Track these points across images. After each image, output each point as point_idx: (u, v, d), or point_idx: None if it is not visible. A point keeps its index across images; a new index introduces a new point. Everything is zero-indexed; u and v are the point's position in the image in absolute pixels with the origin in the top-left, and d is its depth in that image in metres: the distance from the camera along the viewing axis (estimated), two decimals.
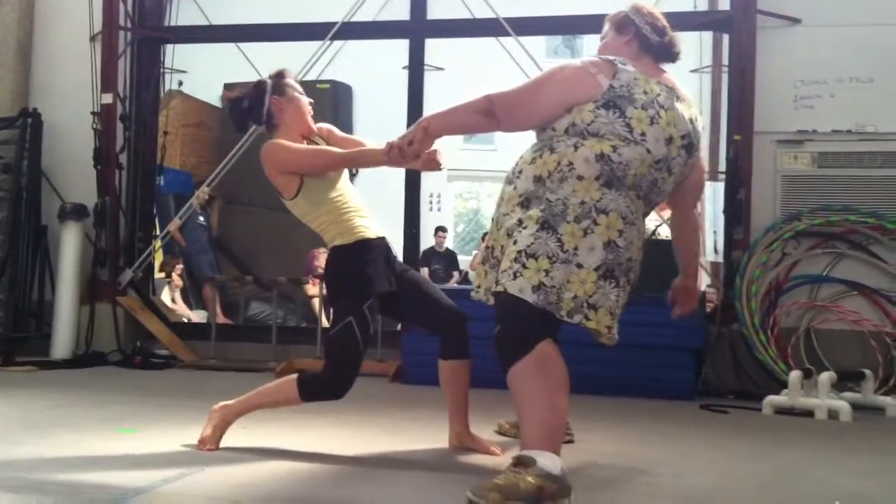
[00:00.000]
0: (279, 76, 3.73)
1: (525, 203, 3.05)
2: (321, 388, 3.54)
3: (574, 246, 2.95)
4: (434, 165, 3.37)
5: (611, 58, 3.17)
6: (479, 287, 3.30)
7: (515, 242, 2.99)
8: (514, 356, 2.92)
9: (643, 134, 3.02)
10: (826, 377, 5.01)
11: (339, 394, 3.53)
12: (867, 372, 5.27)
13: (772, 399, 5.12)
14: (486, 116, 3.13)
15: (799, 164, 6.10)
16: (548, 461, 2.81)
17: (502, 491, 2.74)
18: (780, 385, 5.33)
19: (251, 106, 3.69)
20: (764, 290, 5.88)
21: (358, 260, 3.55)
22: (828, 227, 5.95)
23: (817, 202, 6.01)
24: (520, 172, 3.12)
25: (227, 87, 10.59)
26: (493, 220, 3.27)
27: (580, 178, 2.99)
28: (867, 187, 5.98)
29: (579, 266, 2.95)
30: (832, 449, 4.05)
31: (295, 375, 3.58)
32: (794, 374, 5.08)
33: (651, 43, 3.32)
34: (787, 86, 6.11)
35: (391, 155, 3.23)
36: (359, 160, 3.68)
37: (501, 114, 3.13)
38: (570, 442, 3.79)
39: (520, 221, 3.02)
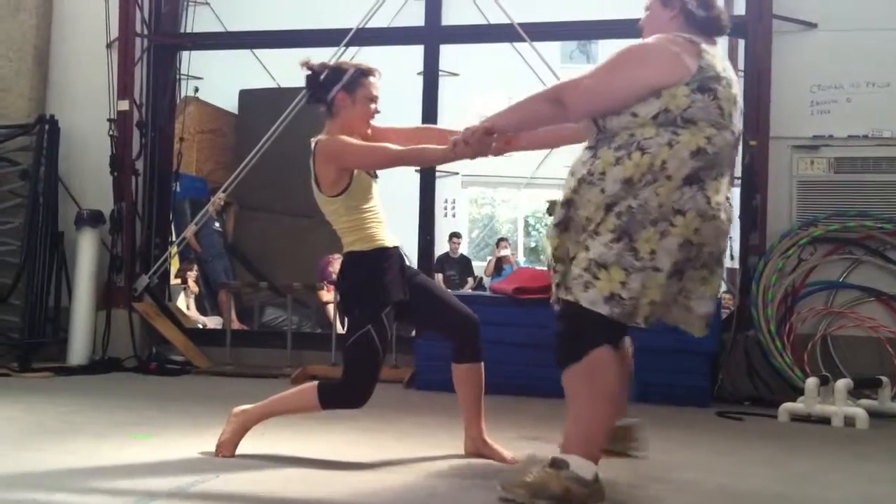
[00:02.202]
0: (364, 73, 3.65)
1: (611, 206, 2.94)
2: (341, 397, 3.54)
3: (650, 250, 2.92)
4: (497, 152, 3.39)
5: (692, 37, 3.04)
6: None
7: (587, 249, 2.95)
8: (568, 360, 2.96)
9: (730, 115, 2.99)
10: (842, 384, 4.98)
11: (358, 403, 3.51)
12: (884, 379, 5.23)
13: (788, 406, 5.09)
14: (553, 104, 3.07)
15: (815, 169, 6.07)
16: (581, 465, 2.85)
17: (530, 488, 2.81)
18: (796, 392, 5.30)
19: (321, 85, 3.63)
20: (780, 296, 5.85)
21: (375, 268, 3.55)
22: (844, 232, 5.92)
23: (833, 208, 5.97)
24: (602, 174, 2.96)
25: (244, 92, 10.66)
26: (554, 225, 3.12)
27: (669, 178, 2.91)
28: (884, 193, 5.94)
29: (656, 270, 2.92)
30: (848, 456, 4.02)
31: (315, 383, 3.58)
32: (811, 381, 5.05)
33: (697, 18, 3.15)
34: (803, 91, 6.08)
35: (457, 151, 3.20)
36: (411, 158, 3.61)
37: (571, 99, 3.03)
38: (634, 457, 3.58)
39: (596, 227, 2.94)
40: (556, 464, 2.87)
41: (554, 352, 3.01)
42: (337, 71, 3.64)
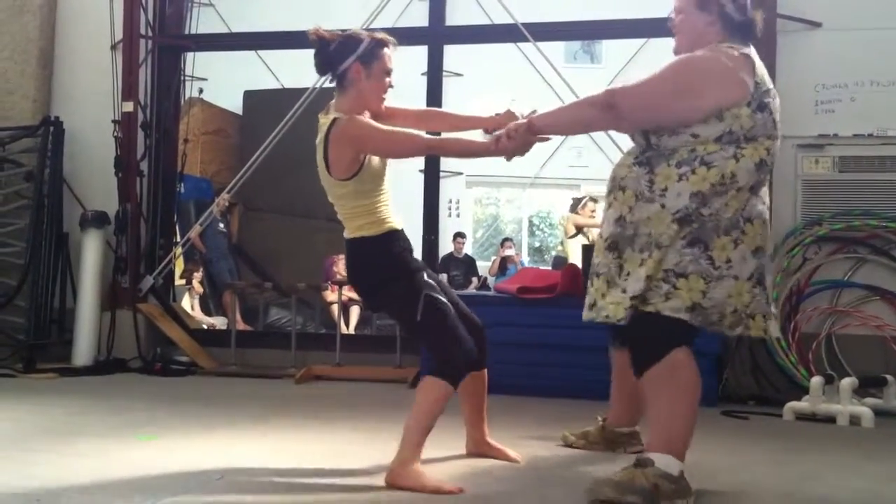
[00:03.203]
0: (380, 44, 3.40)
1: (684, 220, 2.97)
2: (454, 365, 3.26)
3: (726, 259, 2.97)
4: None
5: (744, 51, 3.07)
6: (592, 305, 3.18)
7: (660, 262, 2.96)
8: (648, 363, 3.00)
9: (779, 124, 3.08)
10: (848, 383, 4.97)
11: (471, 358, 3.29)
12: (889, 378, 5.22)
13: (793, 405, 5.08)
14: (604, 111, 3.04)
15: (820, 168, 6.06)
16: (667, 462, 2.91)
17: (618, 486, 2.86)
18: (801, 391, 5.29)
19: (332, 55, 3.38)
20: (785, 295, 5.84)
21: (389, 248, 3.38)
22: (849, 231, 5.90)
23: (838, 207, 5.96)
24: (664, 191, 2.98)
25: (248, 93, 10.68)
26: (603, 237, 3.17)
27: (739, 189, 2.98)
28: (889, 191, 5.92)
29: (736, 278, 2.98)
30: (854, 455, 4.02)
31: (427, 379, 3.28)
32: (816, 380, 5.04)
33: (735, 22, 3.17)
34: (808, 90, 6.07)
35: (500, 146, 3.16)
36: (445, 149, 3.49)
37: (627, 109, 3.02)
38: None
39: (667, 240, 2.97)
40: (642, 463, 2.93)
41: (632, 357, 3.08)
42: (350, 40, 3.40)
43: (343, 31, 3.47)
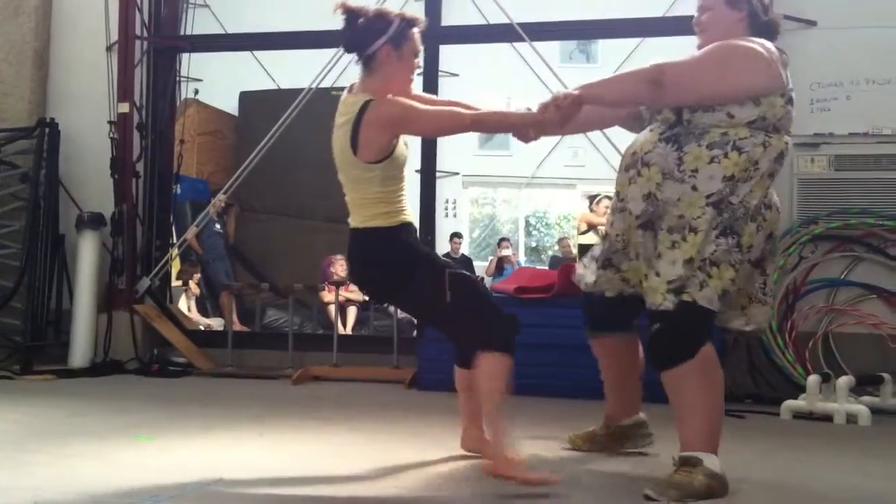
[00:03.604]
0: (409, 24, 3.28)
1: (718, 204, 3.02)
2: (503, 333, 3.15)
3: (750, 245, 3.07)
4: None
5: (775, 47, 3.15)
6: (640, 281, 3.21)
7: (698, 246, 2.99)
8: (679, 359, 3.01)
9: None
10: (844, 381, 4.98)
11: (514, 319, 3.21)
12: (886, 376, 5.22)
13: (790, 404, 5.09)
14: (652, 86, 3.05)
15: (815, 167, 6.06)
16: (712, 461, 2.96)
17: (680, 489, 2.89)
18: (797, 389, 5.29)
19: (361, 34, 3.25)
20: (781, 293, 5.85)
21: (405, 237, 3.31)
22: (845, 230, 5.91)
23: (834, 205, 5.97)
24: (695, 172, 3.03)
25: (244, 94, 10.66)
26: (625, 212, 3.18)
27: (762, 176, 3.06)
28: (885, 190, 5.93)
29: (750, 262, 3.10)
30: (851, 453, 4.02)
31: (482, 358, 3.13)
32: (812, 379, 5.05)
33: (760, 22, 3.24)
34: (804, 88, 6.05)
35: (547, 115, 3.09)
36: (489, 122, 3.37)
37: (673, 85, 3.04)
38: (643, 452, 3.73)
39: (695, 225, 3.01)
40: (690, 462, 2.97)
41: (657, 352, 3.07)
42: (380, 19, 3.26)
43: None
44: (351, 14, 3.27)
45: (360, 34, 3.26)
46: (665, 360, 3.05)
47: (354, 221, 3.33)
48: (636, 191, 3.14)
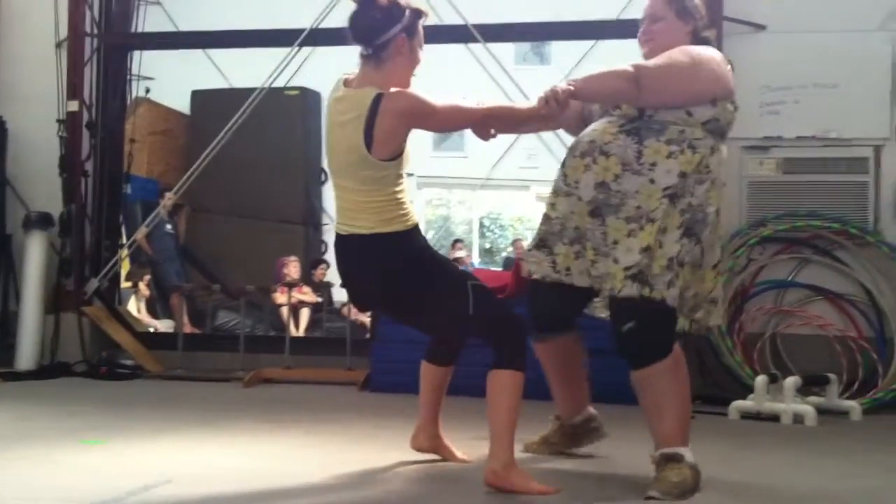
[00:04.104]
0: (418, 15, 3.17)
1: (673, 197, 3.10)
2: (521, 350, 3.12)
3: (703, 250, 3.20)
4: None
5: (724, 56, 3.33)
6: (568, 269, 3.28)
7: (656, 236, 3.07)
8: (653, 359, 3.09)
9: None
10: (791, 382, 5.05)
11: (527, 331, 3.22)
12: (832, 376, 5.31)
13: (738, 404, 5.15)
14: (631, 84, 3.10)
15: (764, 169, 6.14)
16: (690, 455, 3.11)
17: (679, 487, 3.01)
18: (746, 390, 5.36)
19: (377, 21, 3.11)
20: (730, 295, 5.92)
21: (421, 240, 3.23)
22: (793, 232, 5.99)
23: (783, 208, 6.04)
24: (653, 165, 3.11)
25: (196, 93, 10.57)
26: (572, 196, 3.24)
27: (714, 182, 3.18)
28: (832, 193, 6.02)
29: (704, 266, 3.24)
30: (799, 452, 4.09)
31: (497, 374, 3.09)
32: (760, 379, 5.11)
33: (700, 37, 3.38)
34: (753, 92, 6.14)
35: (549, 107, 3.07)
36: (500, 116, 3.27)
37: (648, 85, 3.10)
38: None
39: (652, 215, 3.09)
40: (675, 458, 3.08)
41: (631, 350, 3.13)
42: (396, 7, 3.12)
43: None
44: (367, 4, 3.13)
45: (375, 21, 3.11)
46: (640, 360, 3.12)
47: (357, 228, 3.13)
48: (590, 178, 3.20)
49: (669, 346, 3.12)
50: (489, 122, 3.29)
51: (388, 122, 3.02)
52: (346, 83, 3.21)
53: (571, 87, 3.10)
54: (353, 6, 3.19)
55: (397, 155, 3.09)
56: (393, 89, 3.07)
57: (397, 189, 3.13)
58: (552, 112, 3.11)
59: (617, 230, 3.13)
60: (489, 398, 3.09)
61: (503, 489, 3.01)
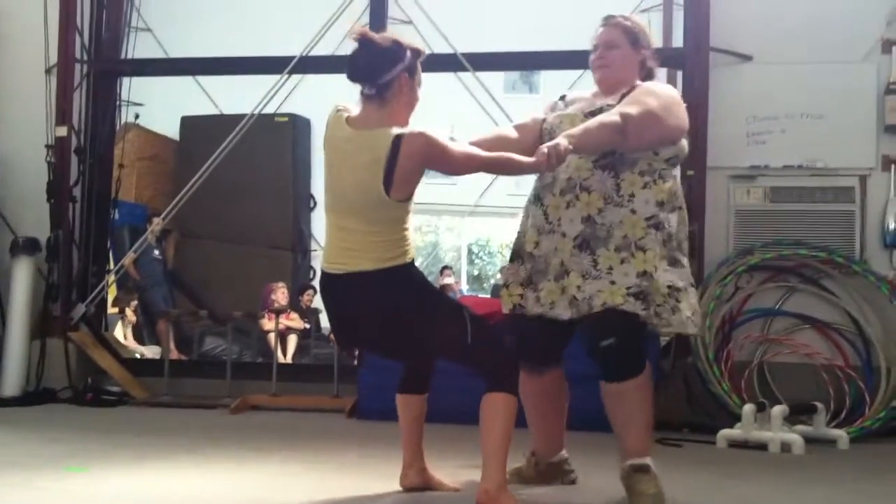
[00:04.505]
0: (418, 55, 3.23)
1: (657, 226, 3.26)
2: (514, 375, 3.18)
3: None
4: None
5: None
6: (552, 303, 3.33)
7: (649, 261, 3.22)
8: (631, 374, 3.23)
9: None
10: (779, 410, 5.05)
11: (517, 360, 3.25)
12: (819, 405, 5.32)
13: (726, 432, 5.15)
14: (619, 135, 3.20)
15: (751, 198, 6.18)
16: (654, 464, 3.27)
17: (657, 499, 3.19)
18: (733, 418, 5.36)
19: (380, 61, 3.15)
20: (717, 323, 5.93)
21: (418, 272, 3.28)
22: (780, 261, 6.02)
23: (769, 236, 6.07)
24: (632, 196, 3.25)
25: (185, 119, 10.58)
26: (555, 233, 3.34)
27: (682, 210, 3.36)
28: (818, 222, 6.06)
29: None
30: (786, 481, 4.08)
31: (492, 398, 3.13)
32: (748, 408, 5.12)
33: (647, 67, 3.52)
34: (740, 121, 6.20)
35: (550, 163, 3.09)
36: (502, 166, 3.31)
37: (633, 133, 3.20)
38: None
39: (636, 241, 3.23)
40: (644, 469, 3.24)
41: (612, 365, 3.24)
42: (398, 46, 3.18)
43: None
44: (369, 40, 3.18)
45: (378, 60, 3.15)
46: (618, 374, 3.24)
47: (358, 266, 3.13)
48: (574, 213, 3.30)
49: (644, 363, 3.28)
50: (490, 170, 3.35)
51: (409, 164, 3.04)
52: (349, 122, 3.21)
53: (570, 146, 3.13)
54: (353, 46, 3.22)
55: (412, 194, 3.13)
56: (410, 130, 3.08)
57: (406, 226, 3.17)
58: (552, 168, 3.18)
59: (609, 259, 3.24)
60: (483, 421, 3.11)
61: None
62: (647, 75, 3.51)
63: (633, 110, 3.23)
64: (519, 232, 3.60)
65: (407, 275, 3.16)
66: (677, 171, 3.42)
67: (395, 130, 3.07)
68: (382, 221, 3.12)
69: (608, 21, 3.54)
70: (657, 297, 3.21)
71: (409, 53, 3.19)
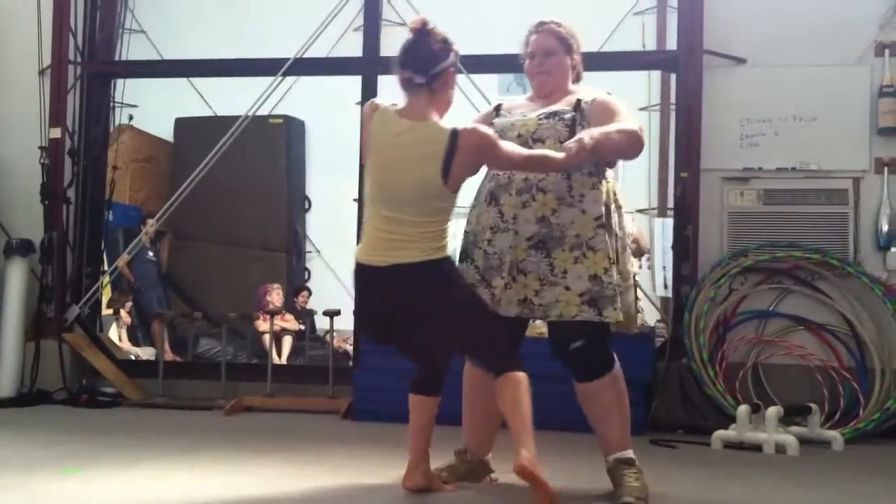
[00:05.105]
0: (457, 55, 3.38)
1: (605, 226, 3.37)
2: (513, 354, 3.28)
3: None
4: None
5: None
6: (499, 301, 3.39)
7: (596, 264, 3.33)
8: (601, 372, 3.39)
9: None
10: (773, 412, 5.07)
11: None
12: (813, 406, 5.34)
13: (720, 434, 5.16)
14: (636, 144, 3.40)
15: (745, 201, 6.19)
16: (636, 457, 3.42)
17: (643, 490, 3.31)
18: (728, 420, 5.37)
19: (435, 52, 3.28)
20: (712, 325, 5.94)
21: (456, 267, 3.43)
22: (774, 262, 6.03)
23: (763, 238, 6.09)
24: (582, 196, 3.37)
25: (179, 121, 10.57)
26: (509, 232, 3.40)
27: (621, 206, 3.51)
28: (811, 224, 6.07)
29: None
30: (781, 482, 4.09)
31: (511, 377, 3.18)
32: (742, 409, 5.13)
33: (576, 73, 3.69)
34: (734, 124, 6.21)
35: (580, 156, 3.19)
36: (537, 162, 3.35)
37: (639, 146, 3.42)
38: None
39: (587, 241, 3.35)
40: (629, 462, 3.39)
41: (583, 365, 3.40)
42: (448, 41, 3.32)
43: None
44: (429, 30, 3.30)
45: (434, 51, 3.28)
46: (587, 375, 3.40)
47: (404, 257, 3.22)
48: (530, 214, 3.40)
49: (612, 361, 3.42)
50: (529, 167, 3.39)
51: (465, 159, 3.19)
52: (401, 114, 3.30)
53: (592, 142, 3.22)
54: (408, 36, 3.34)
55: (459, 188, 3.28)
56: (465, 127, 3.22)
57: (450, 218, 3.31)
58: (581, 161, 3.26)
59: (564, 261, 3.35)
60: (507, 399, 3.18)
61: (535, 479, 3.03)
62: (576, 78, 3.68)
63: (636, 125, 3.43)
64: (466, 231, 3.62)
65: (450, 265, 3.32)
66: (607, 173, 3.54)
67: (450, 126, 3.21)
68: (434, 212, 3.24)
69: (541, 28, 3.67)
70: (606, 295, 3.32)
71: (455, 50, 3.34)
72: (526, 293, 3.38)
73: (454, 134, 3.18)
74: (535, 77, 3.69)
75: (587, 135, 3.23)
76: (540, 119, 3.49)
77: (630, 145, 3.39)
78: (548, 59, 3.61)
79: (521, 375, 3.19)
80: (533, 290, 3.37)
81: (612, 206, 3.45)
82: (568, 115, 3.47)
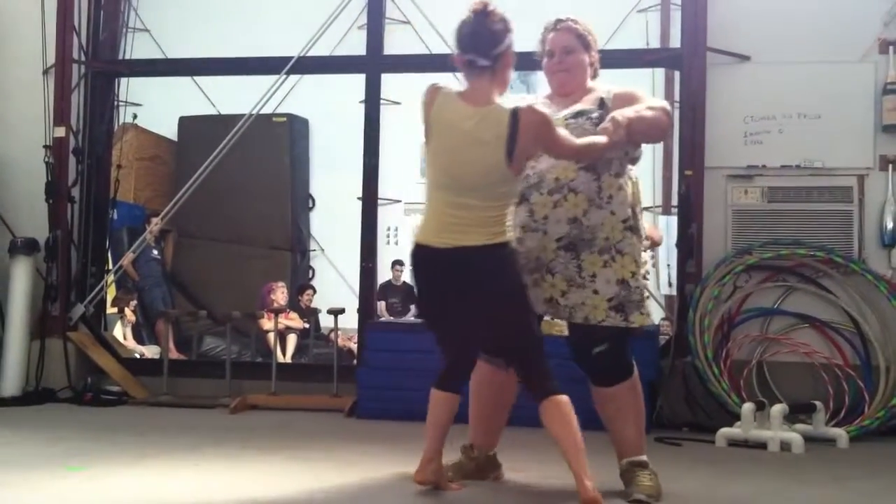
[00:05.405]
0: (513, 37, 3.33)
1: (633, 229, 3.41)
2: (552, 377, 3.25)
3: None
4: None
5: None
6: (550, 300, 3.41)
7: (628, 268, 3.37)
8: (623, 377, 3.41)
9: None
10: (778, 409, 5.06)
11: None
12: (818, 404, 5.33)
13: (725, 431, 5.16)
14: (667, 121, 3.46)
15: (749, 198, 6.18)
16: (648, 460, 3.44)
17: (656, 490, 3.34)
18: (733, 417, 5.37)
19: (497, 33, 3.25)
20: (716, 322, 5.93)
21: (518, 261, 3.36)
22: (778, 260, 6.02)
23: (767, 236, 6.08)
24: (610, 198, 3.38)
25: (183, 119, 10.58)
26: (539, 232, 3.41)
27: (640, 208, 3.56)
28: (816, 221, 6.06)
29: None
30: (786, 480, 4.09)
31: (555, 401, 3.17)
32: (747, 407, 5.12)
33: (594, 70, 3.67)
34: (737, 122, 6.20)
35: (618, 133, 3.22)
36: (588, 151, 3.33)
37: (668, 126, 3.54)
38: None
39: (616, 245, 3.37)
40: (643, 464, 3.41)
41: (605, 369, 3.41)
42: (509, 24, 3.28)
43: None
44: (490, 11, 3.24)
45: (495, 31, 3.24)
46: (609, 380, 3.41)
47: (468, 240, 3.22)
48: (561, 214, 3.38)
49: (632, 367, 3.45)
50: (580, 155, 3.36)
51: (527, 138, 3.16)
52: (464, 99, 3.27)
53: (630, 125, 3.28)
54: (466, 18, 3.27)
55: (524, 169, 3.29)
56: (523, 105, 3.19)
57: (511, 202, 3.31)
58: (620, 137, 3.26)
59: (593, 263, 3.36)
60: (558, 423, 3.16)
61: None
62: (594, 75, 3.68)
63: (663, 102, 3.52)
64: None
65: (511, 250, 3.27)
66: (629, 172, 3.55)
67: (510, 106, 3.18)
68: (499, 196, 3.23)
69: (559, 25, 3.62)
70: (633, 300, 3.37)
71: (512, 31, 3.27)
72: (552, 293, 3.40)
73: (514, 114, 3.15)
74: (554, 75, 3.63)
75: (619, 114, 3.26)
76: (567, 119, 3.46)
77: (660, 120, 3.39)
78: (567, 56, 3.58)
79: (566, 398, 3.17)
80: (560, 291, 3.39)
81: (638, 208, 3.50)
82: (595, 114, 3.45)
